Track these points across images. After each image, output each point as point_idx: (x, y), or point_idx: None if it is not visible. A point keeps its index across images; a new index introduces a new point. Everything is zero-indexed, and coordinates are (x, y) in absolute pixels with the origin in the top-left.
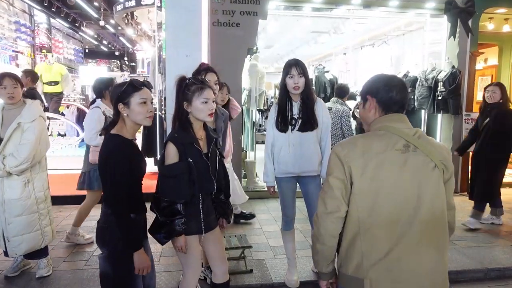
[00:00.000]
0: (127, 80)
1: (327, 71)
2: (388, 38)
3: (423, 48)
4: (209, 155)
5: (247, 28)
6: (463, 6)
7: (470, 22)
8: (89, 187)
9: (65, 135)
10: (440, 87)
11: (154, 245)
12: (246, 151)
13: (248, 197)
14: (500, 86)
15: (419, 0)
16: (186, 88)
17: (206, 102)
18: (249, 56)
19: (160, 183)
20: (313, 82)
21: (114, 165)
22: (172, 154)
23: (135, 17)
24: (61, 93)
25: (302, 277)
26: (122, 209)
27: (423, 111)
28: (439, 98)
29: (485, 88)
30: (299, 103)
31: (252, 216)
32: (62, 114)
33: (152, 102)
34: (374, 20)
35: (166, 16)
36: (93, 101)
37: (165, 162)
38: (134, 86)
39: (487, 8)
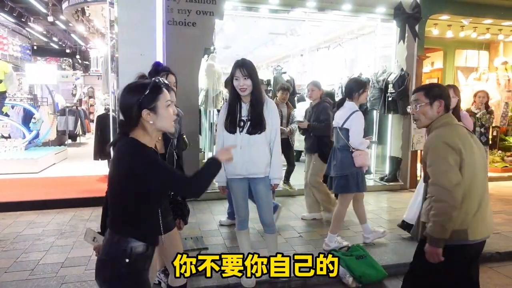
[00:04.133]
0: (141, 82)
1: (285, 72)
2: (342, 41)
3: (375, 51)
4: (166, 156)
5: (204, 28)
6: (410, 12)
7: (417, 28)
8: (346, 191)
9: (9, 137)
10: (390, 89)
11: None
12: (204, 152)
13: None
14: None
15: (370, 5)
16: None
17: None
18: (206, 56)
19: None
20: (271, 82)
21: (145, 162)
22: None
23: (86, 14)
24: (5, 92)
25: (258, 277)
26: (190, 187)
27: (375, 111)
28: (389, 99)
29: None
30: (249, 104)
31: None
32: (6, 114)
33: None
34: (329, 24)
35: (118, 13)
36: (342, 101)
37: None
38: (159, 87)
39: (432, 15)
